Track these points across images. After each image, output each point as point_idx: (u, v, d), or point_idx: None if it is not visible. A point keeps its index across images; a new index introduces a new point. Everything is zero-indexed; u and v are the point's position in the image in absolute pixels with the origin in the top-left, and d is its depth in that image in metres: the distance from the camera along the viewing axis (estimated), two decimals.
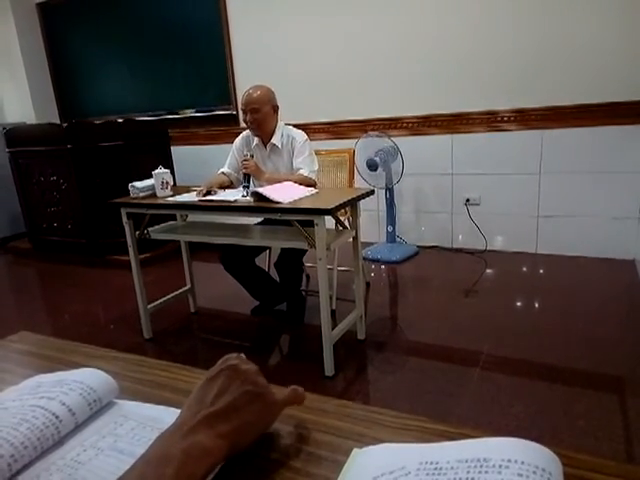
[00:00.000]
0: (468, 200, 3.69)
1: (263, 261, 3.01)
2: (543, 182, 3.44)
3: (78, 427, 0.52)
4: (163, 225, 2.62)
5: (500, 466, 0.35)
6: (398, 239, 3.87)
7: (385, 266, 3.61)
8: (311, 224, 1.95)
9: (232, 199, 2.19)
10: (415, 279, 3.40)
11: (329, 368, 2.12)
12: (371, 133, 3.56)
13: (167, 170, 2.47)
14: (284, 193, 2.13)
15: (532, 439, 0.37)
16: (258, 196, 2.12)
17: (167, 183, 2.45)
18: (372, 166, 3.46)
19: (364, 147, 3.50)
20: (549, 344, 2.28)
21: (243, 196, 2.22)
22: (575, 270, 3.23)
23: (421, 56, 3.60)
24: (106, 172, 3.96)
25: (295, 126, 2.67)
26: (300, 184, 2.35)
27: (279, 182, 2.34)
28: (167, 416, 0.51)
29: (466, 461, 0.37)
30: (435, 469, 0.38)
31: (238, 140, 2.72)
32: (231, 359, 0.49)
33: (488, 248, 3.68)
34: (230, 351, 0.52)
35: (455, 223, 3.81)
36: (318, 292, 2.04)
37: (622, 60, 3.05)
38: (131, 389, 0.60)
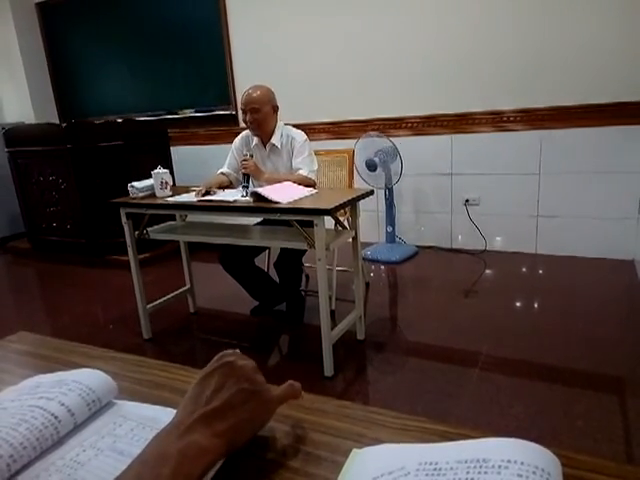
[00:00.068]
0: (467, 200, 3.69)
1: (262, 261, 3.01)
2: (543, 182, 3.44)
3: (77, 427, 0.52)
4: (162, 225, 2.62)
5: (500, 467, 0.35)
6: (397, 239, 3.88)
7: (384, 266, 3.61)
8: (310, 224, 1.95)
9: (231, 199, 2.19)
10: (414, 279, 3.40)
11: (328, 368, 2.12)
12: (370, 133, 3.56)
13: (166, 170, 2.47)
14: (283, 193, 2.13)
15: (531, 440, 0.37)
16: (257, 196, 2.12)
17: (166, 183, 2.45)
18: (371, 166, 3.46)
19: (363, 147, 3.50)
20: (548, 344, 2.28)
21: (242, 196, 2.22)
22: (574, 270, 3.23)
23: (421, 56, 3.60)
24: (105, 172, 3.95)
25: (295, 126, 2.67)
26: (299, 184, 2.35)
27: (278, 182, 2.34)
28: (166, 416, 0.51)
29: (465, 462, 0.37)
30: (435, 469, 0.38)
31: (237, 140, 2.72)
32: (227, 355, 0.49)
33: (487, 248, 3.68)
34: None
35: (454, 223, 3.81)
36: (317, 292, 2.04)
37: (622, 60, 3.05)
38: (130, 389, 0.60)
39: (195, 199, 2.28)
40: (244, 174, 2.40)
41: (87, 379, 0.55)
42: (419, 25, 3.55)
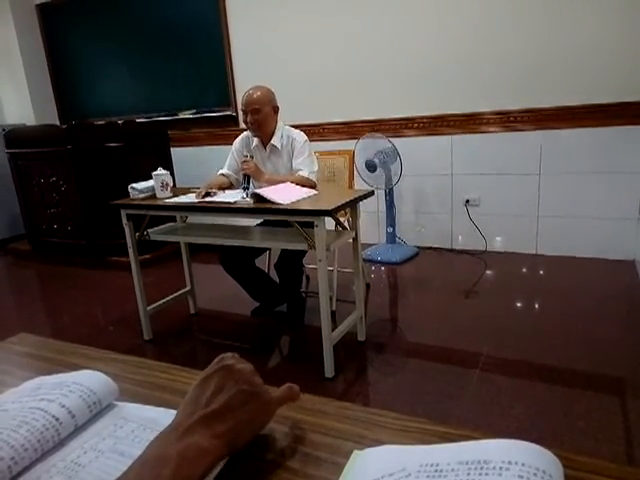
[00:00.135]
0: (468, 201, 3.69)
1: (263, 262, 3.01)
2: (543, 183, 3.44)
3: (78, 429, 0.52)
4: (163, 226, 2.62)
5: (501, 468, 0.35)
6: (398, 240, 3.88)
7: (385, 267, 3.61)
8: (311, 225, 1.95)
9: (232, 200, 2.19)
10: (415, 280, 3.40)
11: (329, 369, 2.12)
12: (370, 134, 3.56)
13: (167, 171, 2.47)
14: (284, 194, 2.13)
15: (532, 441, 0.37)
16: (258, 197, 2.12)
17: (167, 184, 2.45)
18: (371, 167, 3.46)
19: (364, 148, 3.50)
20: (549, 345, 2.28)
21: (243, 197, 2.22)
22: (575, 271, 3.23)
23: (421, 56, 3.60)
24: (106, 173, 3.96)
25: (294, 127, 2.67)
26: (300, 185, 2.35)
27: (279, 183, 2.34)
28: (167, 418, 0.51)
29: (466, 463, 0.37)
30: (435, 471, 0.38)
31: (237, 141, 2.72)
32: (226, 359, 0.49)
33: (488, 249, 3.68)
34: (230, 352, 0.52)
35: (455, 224, 3.81)
36: (318, 293, 2.04)
37: (623, 60, 3.05)
38: (131, 391, 0.60)
39: (196, 200, 2.28)
40: (244, 175, 2.40)
41: (88, 381, 0.55)
42: (419, 25, 3.55)
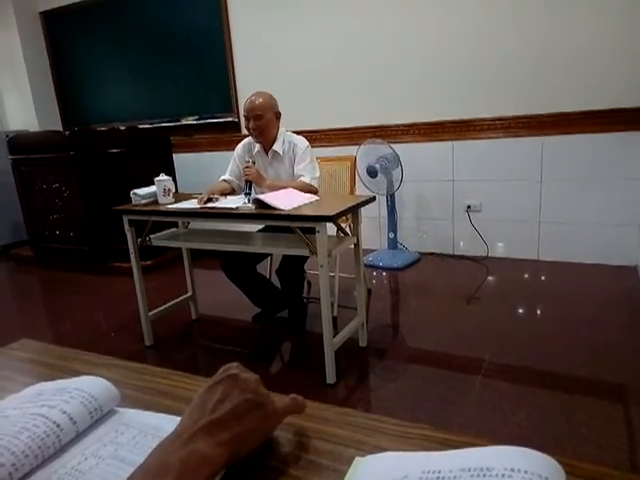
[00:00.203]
0: (469, 207, 3.69)
1: (264, 268, 3.01)
2: (544, 189, 3.44)
3: (79, 435, 0.52)
4: (165, 232, 2.62)
5: (503, 475, 0.35)
6: (399, 246, 3.87)
7: (386, 273, 3.61)
8: (312, 231, 1.95)
9: (234, 206, 2.20)
10: (417, 286, 3.39)
11: (330, 375, 2.11)
12: (372, 140, 3.57)
13: (169, 177, 2.48)
14: (286, 200, 2.14)
15: (534, 447, 0.37)
16: (260, 203, 2.13)
17: (169, 190, 2.45)
18: (372, 173, 3.47)
19: (365, 154, 3.51)
20: (551, 351, 2.27)
21: (245, 203, 2.22)
22: (577, 277, 3.22)
23: (422, 65, 3.61)
24: (108, 179, 3.97)
25: (296, 133, 2.68)
26: (301, 191, 2.35)
27: (280, 189, 2.35)
28: (168, 424, 0.51)
29: (469, 470, 0.37)
30: (437, 478, 0.37)
31: (239, 147, 2.73)
32: (231, 368, 0.49)
33: (489, 255, 3.68)
34: (231, 358, 0.52)
35: (456, 230, 3.81)
36: (319, 299, 2.04)
37: (624, 67, 3.05)
38: (132, 397, 0.60)
39: (198, 206, 2.28)
40: (246, 181, 2.41)
41: (89, 387, 0.55)
42: (420, 27, 3.56)
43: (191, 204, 2.34)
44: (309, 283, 3.34)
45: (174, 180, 2.63)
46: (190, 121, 4.73)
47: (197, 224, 2.70)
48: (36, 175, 4.31)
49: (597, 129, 3.19)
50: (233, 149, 2.76)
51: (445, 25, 3.48)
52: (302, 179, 2.50)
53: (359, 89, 3.88)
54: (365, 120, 3.90)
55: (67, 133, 4.13)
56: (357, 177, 3.30)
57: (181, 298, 2.85)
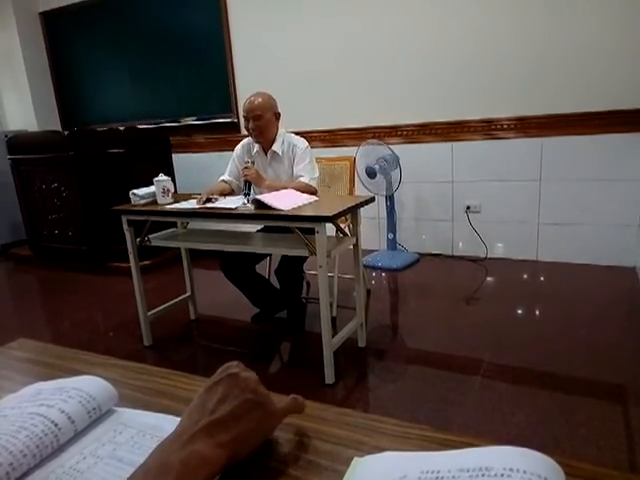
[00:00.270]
0: (468, 207, 3.70)
1: (264, 268, 3.01)
2: (543, 189, 3.44)
3: (77, 435, 0.52)
4: (164, 232, 2.62)
5: (502, 475, 0.35)
6: (399, 246, 3.87)
7: (386, 273, 3.61)
8: (312, 231, 1.95)
9: (233, 206, 2.20)
10: (416, 286, 3.39)
11: (329, 376, 2.11)
12: (371, 141, 3.57)
13: (168, 177, 2.48)
14: (285, 200, 2.14)
15: (534, 448, 0.37)
16: (259, 203, 2.13)
17: (168, 190, 2.45)
18: (370, 174, 3.47)
19: (364, 155, 3.51)
20: (550, 352, 2.27)
21: (244, 203, 2.22)
22: (576, 278, 3.23)
23: (422, 65, 3.62)
24: (107, 179, 3.97)
25: (296, 133, 2.68)
26: (301, 191, 2.35)
27: (280, 189, 2.35)
28: (167, 424, 0.51)
29: (468, 470, 0.37)
30: (437, 478, 0.37)
31: (239, 148, 2.73)
32: (231, 367, 0.49)
33: (489, 256, 3.68)
34: (230, 359, 0.52)
35: (456, 230, 3.81)
36: (319, 299, 2.04)
37: (624, 68, 3.06)
38: (131, 397, 0.60)
39: (197, 206, 2.28)
40: (245, 181, 2.41)
41: (88, 386, 0.55)
42: (421, 28, 3.56)
43: (190, 204, 2.34)
44: (308, 283, 3.34)
45: (173, 180, 2.63)
46: (189, 121, 4.73)
47: (196, 224, 2.70)
48: (35, 175, 4.30)
49: (597, 130, 3.19)
50: (232, 149, 2.76)
51: (445, 25, 3.48)
52: (301, 179, 2.50)
53: (359, 89, 3.88)
54: (365, 120, 3.90)
55: (66, 133, 4.12)
56: (357, 178, 3.30)
57: (180, 298, 2.85)
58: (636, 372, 2.05)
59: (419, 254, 3.85)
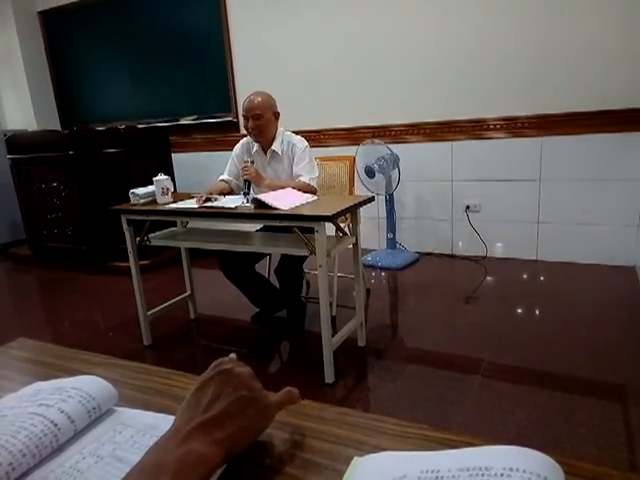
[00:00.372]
0: (468, 207, 3.70)
1: (263, 267, 3.01)
2: (543, 189, 3.44)
3: (77, 435, 0.51)
4: (163, 232, 2.62)
5: (502, 474, 0.35)
6: (398, 246, 3.87)
7: (385, 273, 3.61)
8: (311, 231, 1.95)
9: (232, 206, 2.19)
10: (415, 286, 3.39)
11: (329, 375, 2.11)
12: (371, 140, 3.57)
13: (167, 177, 2.48)
14: (284, 200, 2.13)
15: (533, 447, 0.37)
16: (258, 203, 2.13)
17: (167, 190, 2.45)
18: (369, 173, 3.47)
19: (364, 154, 3.51)
20: (550, 351, 2.27)
21: (243, 203, 2.22)
22: (576, 277, 3.23)
23: (422, 65, 3.62)
24: (107, 179, 3.97)
25: (296, 133, 2.67)
26: (300, 191, 2.35)
27: (279, 189, 2.35)
28: (166, 424, 0.50)
29: (467, 469, 0.37)
30: (436, 477, 0.37)
31: (238, 147, 2.73)
32: (224, 363, 0.49)
33: (488, 255, 3.68)
34: None
35: (455, 230, 3.81)
36: (318, 299, 2.04)
37: (624, 68, 3.05)
38: (130, 396, 0.60)
39: (196, 206, 2.28)
40: (245, 180, 2.41)
41: (87, 386, 0.55)
42: (419, 26, 3.56)
43: (190, 204, 2.34)
44: (308, 283, 3.34)
45: (173, 180, 2.63)
46: (189, 121, 4.72)
47: (196, 224, 2.70)
48: (34, 174, 4.30)
49: (596, 129, 3.19)
50: (232, 149, 2.76)
51: (445, 25, 3.48)
52: (301, 179, 2.50)
53: (359, 89, 3.88)
54: (364, 120, 3.90)
55: (66, 132, 4.12)
56: (356, 177, 3.30)
57: (179, 298, 2.85)
58: (636, 371, 2.05)
59: (419, 253, 3.85)
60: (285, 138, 2.61)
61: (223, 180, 2.69)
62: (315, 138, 3.91)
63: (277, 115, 2.57)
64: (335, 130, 4.03)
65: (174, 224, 2.71)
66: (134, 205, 2.45)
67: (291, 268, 2.57)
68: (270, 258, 3.10)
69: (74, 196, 4.09)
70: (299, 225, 2.04)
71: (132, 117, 4.92)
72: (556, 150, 3.34)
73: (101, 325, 3.08)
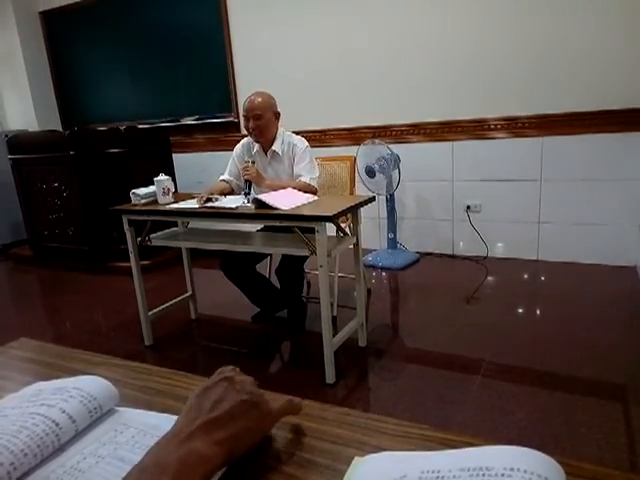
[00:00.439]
0: (469, 207, 3.69)
1: (264, 268, 3.01)
2: (544, 189, 3.44)
3: (78, 435, 0.52)
4: (164, 232, 2.62)
5: (502, 475, 0.35)
6: (399, 246, 3.87)
7: (386, 273, 3.61)
8: (312, 231, 1.95)
9: (233, 206, 2.20)
10: (416, 286, 3.39)
11: (330, 375, 2.11)
12: (371, 140, 3.57)
13: (168, 177, 2.48)
14: (285, 200, 2.14)
15: (534, 447, 0.37)
16: (259, 203, 2.13)
17: (168, 190, 2.45)
18: (370, 173, 3.47)
19: (365, 154, 3.51)
20: (551, 351, 2.27)
21: (244, 203, 2.22)
22: (576, 277, 3.23)
23: (422, 65, 3.61)
24: (108, 179, 3.97)
25: (296, 133, 2.67)
26: (301, 191, 2.35)
27: (280, 189, 2.35)
28: (168, 424, 0.50)
29: (468, 469, 0.37)
30: (437, 477, 0.37)
31: (238, 147, 2.73)
32: (226, 372, 0.50)
33: (489, 255, 3.68)
34: (231, 358, 0.52)
35: (456, 230, 3.81)
36: (319, 299, 2.04)
37: (625, 68, 3.05)
38: (131, 396, 0.60)
39: (197, 206, 2.28)
40: (246, 180, 2.41)
41: (88, 386, 0.55)
42: (420, 26, 3.56)
43: (190, 204, 2.34)
44: (309, 283, 3.34)
45: (173, 180, 2.63)
46: (190, 121, 4.72)
47: (196, 224, 2.70)
48: (35, 175, 4.30)
49: (597, 129, 3.19)
50: (232, 149, 2.76)
51: (446, 26, 3.47)
52: (301, 179, 2.50)
53: (359, 89, 3.88)
54: (365, 120, 3.90)
55: (66, 133, 4.12)
56: (357, 177, 3.30)
57: (180, 298, 2.85)
58: (636, 371, 2.05)
59: (419, 253, 3.85)
60: (285, 138, 2.61)
61: (224, 180, 2.69)
62: (316, 138, 3.91)
63: (278, 115, 2.57)
64: (336, 130, 4.03)
65: (175, 224, 2.72)
66: (135, 205, 2.46)
67: (292, 268, 2.57)
68: (271, 258, 3.10)
69: (75, 196, 4.09)
70: (300, 225, 2.04)
71: (133, 117, 4.92)
72: (557, 150, 3.33)
73: (102, 325, 3.08)
